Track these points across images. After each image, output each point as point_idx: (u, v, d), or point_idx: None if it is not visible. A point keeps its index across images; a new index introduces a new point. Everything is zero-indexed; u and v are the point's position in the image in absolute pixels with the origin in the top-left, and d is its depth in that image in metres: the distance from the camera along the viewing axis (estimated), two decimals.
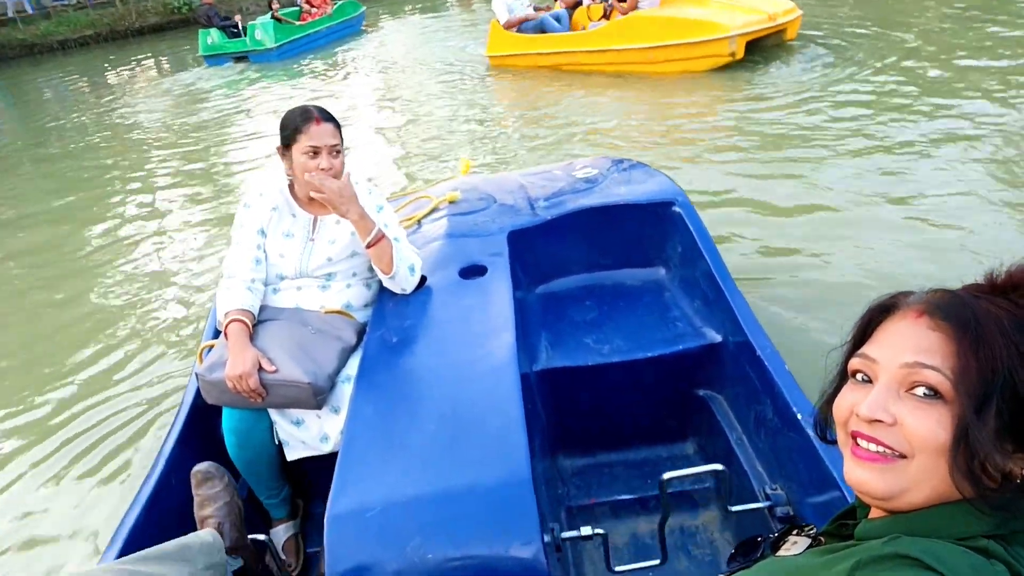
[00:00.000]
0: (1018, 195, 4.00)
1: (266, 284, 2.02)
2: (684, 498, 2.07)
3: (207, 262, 4.80)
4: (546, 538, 1.35)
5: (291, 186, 2.08)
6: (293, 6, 14.99)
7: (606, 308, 2.36)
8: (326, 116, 1.97)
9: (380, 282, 2.10)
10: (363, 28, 15.65)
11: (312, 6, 14.86)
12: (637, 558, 1.92)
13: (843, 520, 0.87)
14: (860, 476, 0.73)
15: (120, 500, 2.66)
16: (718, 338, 2.10)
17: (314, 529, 2.12)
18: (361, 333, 1.99)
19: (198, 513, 1.68)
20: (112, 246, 5.40)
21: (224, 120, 9.10)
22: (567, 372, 2.09)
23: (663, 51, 7.62)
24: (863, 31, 8.34)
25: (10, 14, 20.18)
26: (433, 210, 2.66)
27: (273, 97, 10.03)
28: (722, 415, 2.06)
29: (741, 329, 1.95)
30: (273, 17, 13.37)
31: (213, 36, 13.39)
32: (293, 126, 1.95)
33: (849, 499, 1.36)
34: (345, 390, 1.84)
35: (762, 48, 7.67)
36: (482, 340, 1.77)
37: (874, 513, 0.78)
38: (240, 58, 13.29)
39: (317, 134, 1.93)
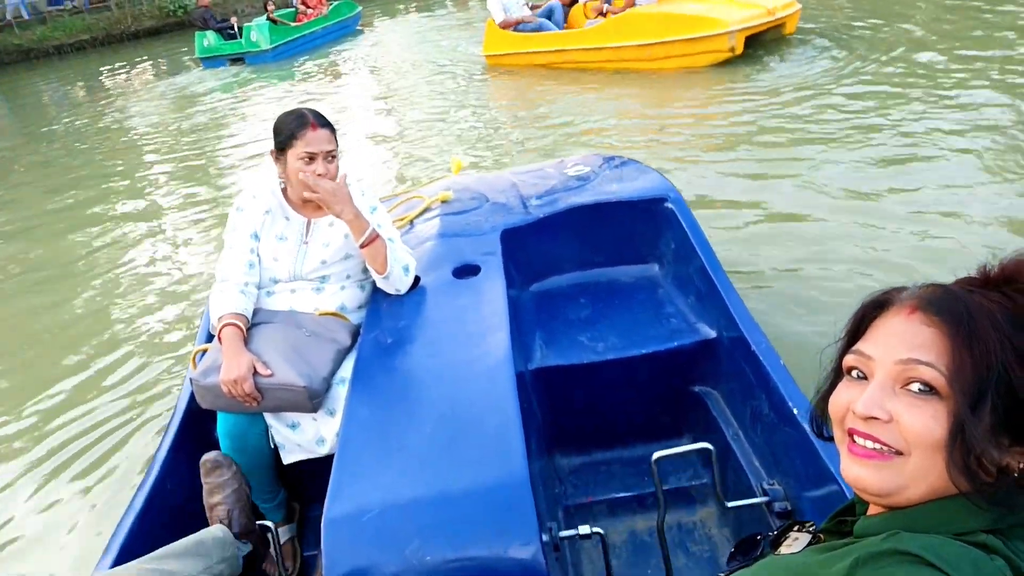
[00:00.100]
0: (1018, 188, 4.00)
1: (259, 287, 2.01)
2: (681, 494, 2.07)
3: (201, 265, 4.78)
4: (544, 538, 1.34)
5: (284, 189, 2.06)
6: (289, 7, 14.93)
7: (600, 306, 2.36)
8: (322, 121, 1.96)
9: (374, 283, 2.09)
10: (359, 28, 15.60)
11: (308, 7, 14.79)
12: (636, 556, 1.92)
13: (842, 517, 0.87)
14: (857, 473, 0.73)
15: (115, 506, 2.64)
16: (712, 334, 2.10)
17: (311, 532, 2.11)
18: (355, 335, 1.98)
19: (207, 500, 1.72)
20: (105, 249, 5.37)
21: (219, 122, 9.06)
22: (562, 370, 2.08)
23: (661, 48, 7.56)
24: (862, 24, 8.31)
25: (9, 17, 20.08)
26: (425, 210, 2.65)
27: (268, 99, 9.99)
28: (718, 411, 2.06)
29: (736, 324, 1.95)
30: (268, 18, 13.32)
31: (209, 38, 13.36)
32: (288, 131, 1.93)
33: (847, 493, 1.36)
34: (340, 392, 1.83)
35: (761, 43, 7.63)
36: (477, 340, 1.77)
37: (873, 510, 0.78)
38: (236, 60, 13.26)
39: (313, 140, 1.92)
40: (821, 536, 0.88)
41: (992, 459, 0.66)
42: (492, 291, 1.99)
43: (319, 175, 1.91)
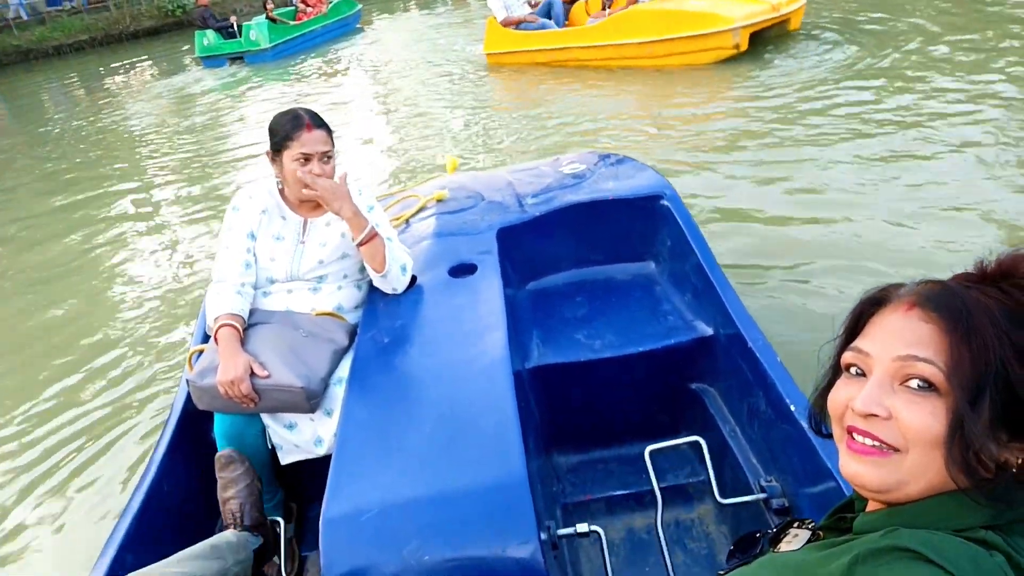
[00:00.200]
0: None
1: (256, 288, 2.01)
2: (679, 492, 2.07)
3: (198, 265, 4.78)
4: (542, 536, 1.34)
5: (281, 189, 2.06)
6: (288, 6, 14.93)
7: (597, 304, 2.36)
8: (317, 122, 1.95)
9: (371, 283, 2.09)
10: (359, 26, 15.58)
11: (307, 5, 14.82)
12: (634, 554, 1.93)
13: (841, 514, 0.87)
14: (856, 470, 0.73)
15: (113, 507, 2.64)
16: (709, 331, 2.10)
17: (309, 533, 2.11)
18: (352, 335, 1.98)
19: (221, 495, 1.79)
20: (102, 249, 5.38)
21: (217, 122, 9.06)
22: (559, 369, 2.08)
23: (665, 45, 7.49)
24: (866, 19, 8.26)
25: (10, 17, 20.07)
26: (421, 209, 2.64)
27: (267, 98, 9.99)
28: (715, 408, 2.06)
29: (732, 322, 1.95)
30: (268, 17, 13.34)
31: (209, 37, 13.41)
32: (284, 132, 1.93)
33: (844, 490, 1.37)
34: (338, 392, 1.83)
35: (765, 39, 7.56)
36: (474, 339, 1.77)
37: (872, 506, 0.78)
38: (236, 59, 13.29)
39: (309, 141, 1.91)
40: (820, 533, 0.88)
41: (991, 455, 0.66)
42: (488, 290, 1.99)
43: (315, 175, 1.91)
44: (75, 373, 3.64)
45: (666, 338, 2.11)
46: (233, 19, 13.99)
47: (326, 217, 2.03)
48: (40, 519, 2.70)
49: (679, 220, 2.36)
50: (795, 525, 0.94)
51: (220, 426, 1.86)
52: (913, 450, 0.69)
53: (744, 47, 7.15)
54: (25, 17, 20.57)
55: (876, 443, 0.71)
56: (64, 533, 2.61)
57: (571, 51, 8.39)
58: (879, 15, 8.31)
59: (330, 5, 14.91)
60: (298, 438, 1.85)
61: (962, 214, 3.76)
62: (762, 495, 1.68)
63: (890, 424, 0.71)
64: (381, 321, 1.94)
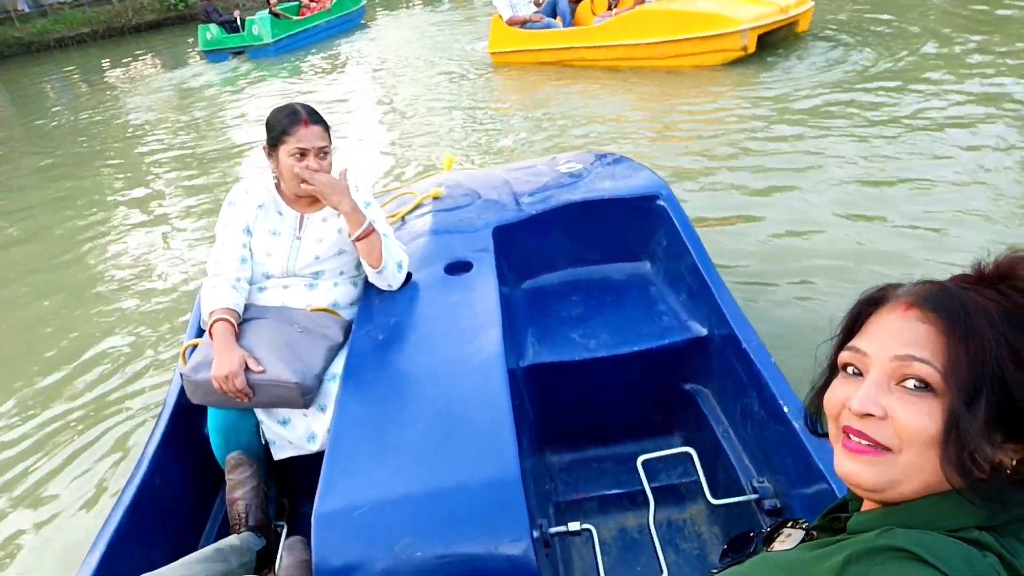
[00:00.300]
0: None
1: (251, 283, 2.00)
2: (671, 492, 2.07)
3: (194, 259, 4.76)
4: (535, 534, 1.34)
5: (277, 184, 2.06)
6: (292, 1, 14.92)
7: (592, 303, 2.36)
8: (314, 118, 1.95)
9: (366, 280, 2.09)
10: (362, 22, 15.55)
11: (311, 0, 14.76)
12: (626, 552, 1.93)
13: (835, 514, 0.87)
14: (850, 468, 0.73)
15: (104, 500, 2.63)
16: (703, 331, 2.10)
17: (301, 529, 2.11)
18: (348, 331, 1.97)
19: (229, 496, 1.84)
20: (98, 241, 5.38)
21: (217, 116, 9.05)
22: (553, 367, 2.09)
23: (672, 46, 7.40)
24: (875, 20, 8.19)
25: (19, 7, 20.04)
26: (417, 206, 2.64)
27: (268, 93, 9.98)
28: (708, 409, 2.07)
29: (727, 322, 1.95)
30: (271, 12, 13.33)
31: (212, 31, 13.42)
32: (280, 127, 1.92)
33: (836, 491, 1.37)
34: (332, 388, 1.83)
35: (773, 41, 7.48)
36: (469, 336, 1.77)
37: (866, 506, 0.78)
38: (239, 53, 13.29)
39: (305, 136, 1.91)
40: (814, 533, 0.88)
41: (986, 456, 0.66)
42: (484, 288, 1.99)
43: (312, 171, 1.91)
44: (67, 365, 3.63)
45: (661, 338, 2.12)
46: (236, 13, 14.02)
47: (323, 213, 2.03)
48: (31, 512, 2.69)
49: (675, 220, 2.36)
50: (789, 525, 0.95)
51: (213, 421, 1.86)
52: (907, 450, 0.70)
53: (752, 49, 7.08)
54: (27, 9, 20.53)
55: (870, 443, 0.72)
56: (56, 526, 2.60)
57: (576, 51, 8.31)
58: (888, 17, 8.24)
59: (334, 1, 14.89)
60: (291, 434, 1.85)
61: (966, 218, 3.73)
62: (754, 496, 1.68)
63: (885, 424, 0.71)
64: (376, 318, 1.94)
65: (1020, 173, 4.18)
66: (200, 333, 2.05)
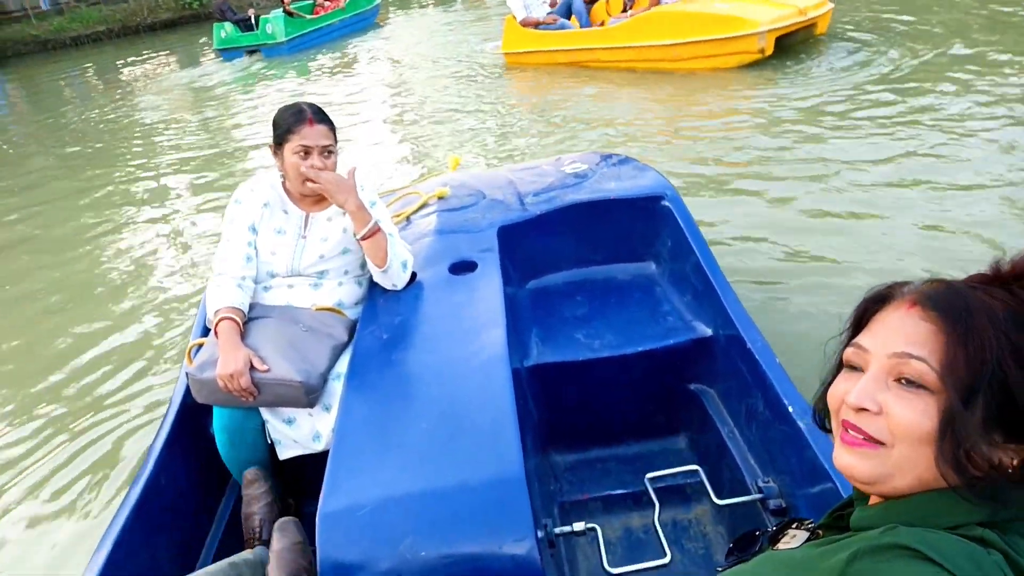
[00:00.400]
0: None
1: (257, 282, 2.01)
2: (676, 492, 2.07)
3: (202, 257, 4.78)
4: (539, 534, 1.34)
5: (283, 183, 2.06)
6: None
7: (596, 303, 2.36)
8: (320, 117, 1.95)
9: (371, 280, 2.09)
10: (376, 22, 15.59)
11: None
12: (631, 552, 1.93)
13: (840, 512, 0.87)
14: (846, 461, 0.75)
15: (110, 499, 2.64)
16: (708, 332, 2.10)
17: (306, 528, 2.11)
18: (352, 330, 1.98)
19: (245, 510, 1.86)
20: (108, 237, 5.41)
21: (229, 114, 9.10)
22: (558, 367, 2.09)
23: (688, 48, 7.28)
24: (895, 21, 8.05)
25: (44, 7, 20.28)
26: (422, 206, 2.65)
27: (280, 91, 10.02)
28: (713, 409, 2.07)
29: (731, 322, 1.95)
30: (285, 11, 13.40)
31: (227, 30, 13.53)
32: (285, 126, 1.93)
33: (841, 490, 1.37)
34: (337, 388, 1.83)
35: (791, 43, 7.34)
36: (473, 336, 1.77)
37: (871, 501, 0.78)
38: (253, 51, 13.38)
39: (310, 135, 1.92)
40: (819, 532, 0.88)
41: (983, 455, 0.67)
42: (488, 288, 1.99)
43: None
44: (73, 364, 3.64)
45: (665, 338, 2.11)
46: (251, 12, 14.05)
47: (328, 212, 2.04)
48: (37, 512, 2.69)
49: (680, 221, 2.36)
50: (794, 525, 0.95)
51: (219, 420, 1.87)
52: (899, 445, 0.71)
53: (769, 51, 6.95)
54: (45, 7, 20.71)
55: (865, 436, 0.73)
56: (62, 526, 2.60)
57: (591, 52, 8.20)
58: (908, 17, 8.10)
59: (348, 0, 14.93)
60: (297, 433, 1.85)
61: (983, 221, 3.66)
62: (759, 496, 1.68)
63: (879, 419, 0.72)
64: (381, 317, 1.94)
65: None
66: (206, 332, 2.05)
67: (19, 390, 3.50)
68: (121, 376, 3.46)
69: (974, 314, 0.68)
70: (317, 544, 1.28)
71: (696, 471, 2.07)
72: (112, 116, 10.09)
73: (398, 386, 1.64)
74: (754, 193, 4.41)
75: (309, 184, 1.92)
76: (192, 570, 1.59)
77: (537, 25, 8.72)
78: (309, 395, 1.77)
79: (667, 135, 5.76)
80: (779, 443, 1.70)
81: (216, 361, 1.76)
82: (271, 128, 2.01)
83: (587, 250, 2.54)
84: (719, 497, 1.73)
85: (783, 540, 0.93)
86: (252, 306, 1.95)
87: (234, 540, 1.92)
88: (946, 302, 0.71)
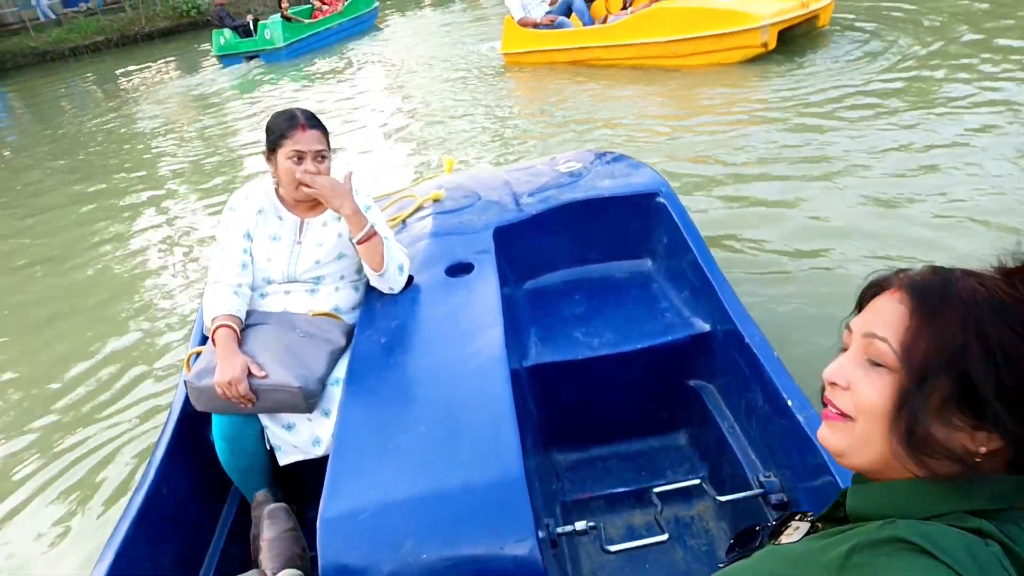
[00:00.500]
0: None
1: (253, 288, 2.01)
2: (677, 489, 2.06)
3: (199, 267, 4.78)
4: (541, 534, 1.34)
5: (277, 189, 2.06)
6: (305, 3, 14.98)
7: (594, 302, 2.36)
8: (312, 122, 1.96)
9: (368, 285, 2.09)
10: (375, 24, 15.59)
11: (323, 3, 14.82)
12: (633, 551, 1.92)
13: (839, 503, 0.87)
14: (823, 434, 0.81)
15: (111, 509, 2.64)
16: (707, 327, 2.10)
17: (307, 534, 2.11)
18: (350, 335, 1.98)
19: (254, 531, 1.82)
20: (107, 247, 5.42)
21: (227, 121, 9.09)
22: (557, 367, 2.08)
23: (690, 44, 7.19)
24: (898, 12, 7.94)
25: (41, 18, 20.34)
26: (418, 209, 2.65)
27: (278, 97, 10.02)
28: (713, 405, 2.06)
29: (729, 318, 1.95)
30: (283, 16, 13.37)
31: (226, 36, 13.50)
32: (279, 131, 1.93)
33: (841, 483, 1.37)
34: (335, 393, 1.83)
35: (793, 36, 7.21)
36: (470, 338, 1.77)
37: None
38: (252, 57, 13.38)
39: (302, 140, 1.92)
40: (819, 525, 0.89)
41: (937, 437, 0.69)
42: (485, 289, 1.99)
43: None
44: (73, 373, 3.65)
45: (663, 335, 2.11)
46: (249, 18, 14.02)
47: (323, 217, 2.04)
48: (39, 521, 2.69)
49: (675, 217, 2.36)
50: (796, 518, 0.95)
51: (218, 428, 1.87)
52: (860, 419, 0.75)
53: (772, 46, 6.85)
54: (42, 18, 20.83)
55: (837, 411, 0.79)
56: (64, 535, 2.60)
57: (591, 50, 8.12)
58: (910, 7, 7.97)
59: (346, 3, 14.89)
60: (296, 439, 1.85)
61: (988, 217, 3.61)
62: (760, 490, 1.67)
63: (847, 394, 0.77)
64: (378, 321, 1.94)
65: None
66: (204, 340, 2.05)
67: (18, 400, 3.51)
68: (121, 386, 3.46)
69: (946, 300, 0.71)
70: (319, 549, 1.28)
71: (697, 467, 2.08)
72: (112, 125, 10.10)
73: (397, 389, 1.64)
74: (757, 189, 4.38)
75: (304, 189, 1.92)
76: None
77: (535, 26, 8.68)
78: (308, 400, 1.77)
79: (669, 133, 5.70)
80: (779, 437, 1.69)
81: (214, 369, 1.76)
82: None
83: (583, 249, 2.54)
84: (721, 493, 1.73)
85: (785, 534, 0.93)
86: (249, 313, 1.95)
87: (237, 548, 1.92)
88: (922, 287, 0.74)
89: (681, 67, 7.39)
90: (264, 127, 2.02)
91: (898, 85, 5.77)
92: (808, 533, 0.88)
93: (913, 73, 5.98)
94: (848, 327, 0.81)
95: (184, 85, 12.72)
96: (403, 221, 2.58)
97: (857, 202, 4.00)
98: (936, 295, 0.72)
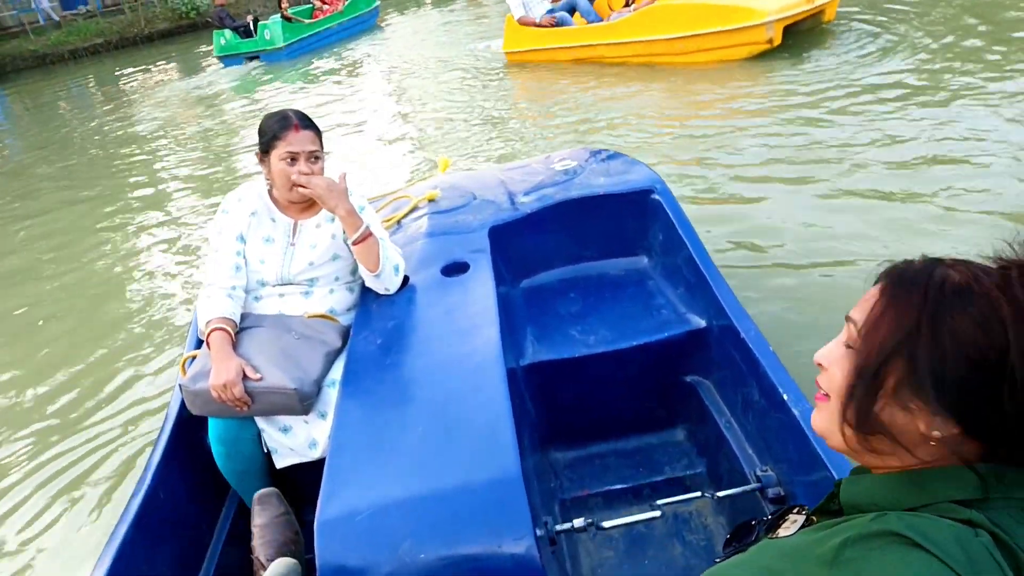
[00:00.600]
0: None
1: (247, 291, 2.00)
2: (675, 484, 2.07)
3: (195, 270, 4.77)
4: (539, 532, 1.34)
5: (270, 191, 2.06)
6: (306, 3, 14.96)
7: (590, 299, 2.36)
8: (305, 123, 1.95)
9: (363, 286, 2.09)
10: (376, 23, 15.57)
11: (324, 3, 14.80)
12: (632, 546, 1.93)
13: (834, 496, 0.88)
14: (812, 416, 0.84)
15: (108, 514, 2.64)
16: (703, 323, 2.10)
17: (306, 536, 2.11)
18: (346, 336, 1.97)
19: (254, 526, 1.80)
20: (104, 250, 5.43)
21: (226, 122, 9.12)
22: (554, 365, 2.09)
23: (694, 41, 7.11)
24: (907, 6, 7.82)
25: (42, 21, 20.30)
26: (413, 209, 2.64)
27: (278, 97, 10.02)
28: (710, 400, 2.07)
29: (725, 313, 1.95)
30: (282, 16, 13.36)
31: (226, 37, 13.51)
32: (271, 133, 1.93)
33: (836, 476, 1.37)
34: (332, 394, 1.83)
35: (798, 32, 7.14)
36: (466, 337, 1.77)
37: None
38: (253, 57, 13.39)
39: (296, 141, 1.92)
40: (814, 518, 0.89)
41: (890, 420, 0.71)
42: (481, 288, 1.99)
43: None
44: (68, 378, 3.64)
45: (660, 332, 2.12)
46: (249, 18, 14.01)
47: (316, 219, 2.03)
48: (36, 527, 2.69)
49: (670, 214, 2.36)
50: (794, 511, 0.95)
51: (214, 431, 1.86)
52: (833, 398, 0.79)
53: (778, 42, 6.75)
54: (43, 22, 20.78)
55: (822, 391, 0.82)
56: (60, 540, 2.60)
57: (594, 48, 8.03)
58: (917, 0, 7.88)
59: (346, 3, 14.86)
60: (293, 441, 1.84)
61: (989, 213, 3.58)
62: (758, 485, 1.68)
63: (826, 374, 0.81)
64: (374, 322, 1.94)
65: None
66: (199, 344, 2.05)
67: (14, 404, 3.50)
68: (118, 391, 3.45)
69: (913, 284, 0.72)
70: (316, 551, 1.28)
71: (695, 463, 2.08)
72: (112, 127, 10.10)
73: (393, 390, 1.64)
74: (759, 186, 4.36)
75: (300, 190, 1.91)
76: None
77: (535, 26, 8.65)
78: (303, 402, 1.77)
79: (673, 132, 5.65)
80: (776, 431, 1.70)
81: (209, 372, 1.76)
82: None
83: (579, 247, 2.54)
84: (718, 488, 1.73)
85: (782, 528, 0.93)
86: (244, 316, 1.95)
87: (235, 550, 1.92)
88: (896, 273, 0.76)
89: (685, 65, 7.30)
90: (255, 126, 2.01)
91: (907, 79, 5.69)
92: (804, 526, 0.88)
93: (921, 68, 5.90)
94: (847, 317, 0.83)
95: (184, 86, 12.73)
96: (398, 221, 2.58)
97: (858, 198, 3.99)
98: (907, 280, 0.73)
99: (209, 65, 14.36)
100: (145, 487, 1.79)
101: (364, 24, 15.24)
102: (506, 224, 2.41)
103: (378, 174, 5.94)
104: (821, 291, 3.20)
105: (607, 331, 2.16)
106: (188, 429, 2.01)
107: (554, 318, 2.28)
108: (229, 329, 1.84)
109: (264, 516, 1.66)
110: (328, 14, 14.47)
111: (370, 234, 1.94)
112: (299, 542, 1.68)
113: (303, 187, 1.90)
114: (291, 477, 2.00)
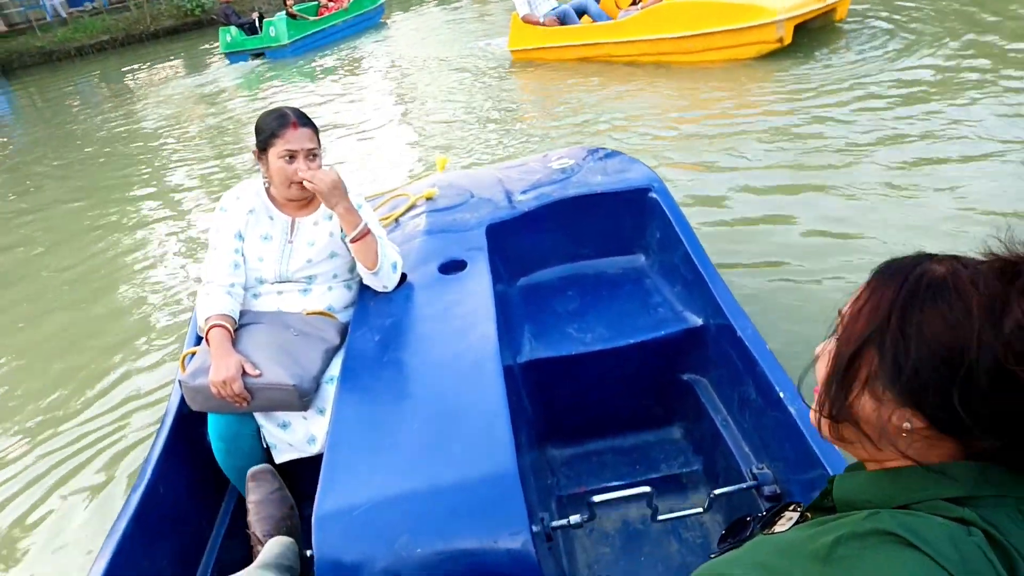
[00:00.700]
0: None
1: (246, 288, 2.01)
2: (672, 481, 2.08)
3: (197, 266, 4.78)
4: (535, 528, 1.35)
5: (268, 189, 2.07)
6: (311, 0, 14.95)
7: (587, 297, 2.37)
8: (303, 120, 1.96)
9: (361, 283, 2.10)
10: (382, 21, 15.57)
11: (329, 0, 14.79)
12: (628, 543, 1.94)
13: (827, 493, 0.88)
14: (812, 411, 0.84)
15: (109, 510, 2.64)
16: (699, 322, 2.11)
17: (305, 531, 2.12)
18: (344, 333, 1.98)
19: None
20: (106, 248, 5.43)
21: (229, 120, 9.11)
22: (551, 362, 2.09)
23: (703, 39, 6.99)
24: (920, 3, 7.71)
25: (49, 18, 20.47)
26: (411, 207, 2.65)
27: (279, 94, 10.03)
28: (706, 398, 2.08)
29: (722, 312, 1.96)
30: (287, 13, 13.38)
31: (232, 33, 13.52)
32: (269, 131, 1.93)
33: (832, 474, 1.38)
34: (330, 391, 1.83)
35: (809, 30, 7.04)
36: (464, 335, 1.78)
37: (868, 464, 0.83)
38: (258, 54, 13.40)
39: (294, 138, 1.92)
40: (808, 515, 0.90)
41: (860, 409, 0.73)
42: (478, 286, 2.00)
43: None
44: (69, 375, 3.65)
45: (657, 330, 2.12)
46: (254, 15, 13.99)
47: (313, 217, 2.04)
48: (37, 522, 2.70)
49: (667, 212, 2.37)
50: (790, 508, 0.96)
51: (214, 427, 1.87)
52: (821, 388, 0.79)
53: (788, 40, 6.63)
54: (49, 18, 20.85)
55: (817, 383, 0.82)
56: (60, 536, 2.61)
57: (600, 47, 7.91)
58: None
59: (351, 0, 14.85)
60: (291, 437, 1.86)
61: (990, 216, 3.56)
62: (754, 483, 1.69)
63: (818, 364, 0.82)
64: (372, 319, 1.95)
65: None
66: (199, 341, 2.06)
67: (12, 399, 3.51)
68: (118, 388, 3.46)
69: (892, 277, 0.73)
70: (314, 545, 1.29)
71: (691, 460, 2.09)
72: (117, 124, 10.11)
73: (391, 387, 1.65)
74: (762, 186, 4.35)
75: (307, 184, 1.91)
76: None
77: (539, 24, 8.61)
78: (302, 398, 1.78)
79: (678, 131, 5.60)
80: (772, 429, 1.71)
81: (208, 368, 1.77)
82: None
83: (576, 245, 2.55)
84: (715, 485, 1.74)
85: (777, 524, 0.94)
86: (243, 313, 1.96)
87: (235, 544, 1.93)
88: (884, 267, 0.76)
89: (693, 64, 7.20)
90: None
91: (921, 76, 5.62)
92: (798, 523, 0.89)
93: (936, 66, 5.81)
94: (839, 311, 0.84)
95: (189, 83, 12.74)
96: (396, 220, 2.59)
97: (863, 198, 3.98)
98: (889, 273, 0.74)
99: (214, 62, 14.37)
100: (145, 482, 1.80)
101: (369, 21, 15.25)
102: (503, 222, 2.42)
103: (378, 173, 5.94)
104: (820, 290, 3.21)
105: (604, 329, 2.17)
106: (188, 425, 2.02)
107: (551, 316, 2.29)
108: (228, 326, 1.85)
109: (259, 492, 1.66)
110: (333, 11, 14.48)
111: (368, 231, 1.95)
112: (294, 517, 1.68)
113: (308, 183, 1.90)
114: (290, 472, 2.01)
